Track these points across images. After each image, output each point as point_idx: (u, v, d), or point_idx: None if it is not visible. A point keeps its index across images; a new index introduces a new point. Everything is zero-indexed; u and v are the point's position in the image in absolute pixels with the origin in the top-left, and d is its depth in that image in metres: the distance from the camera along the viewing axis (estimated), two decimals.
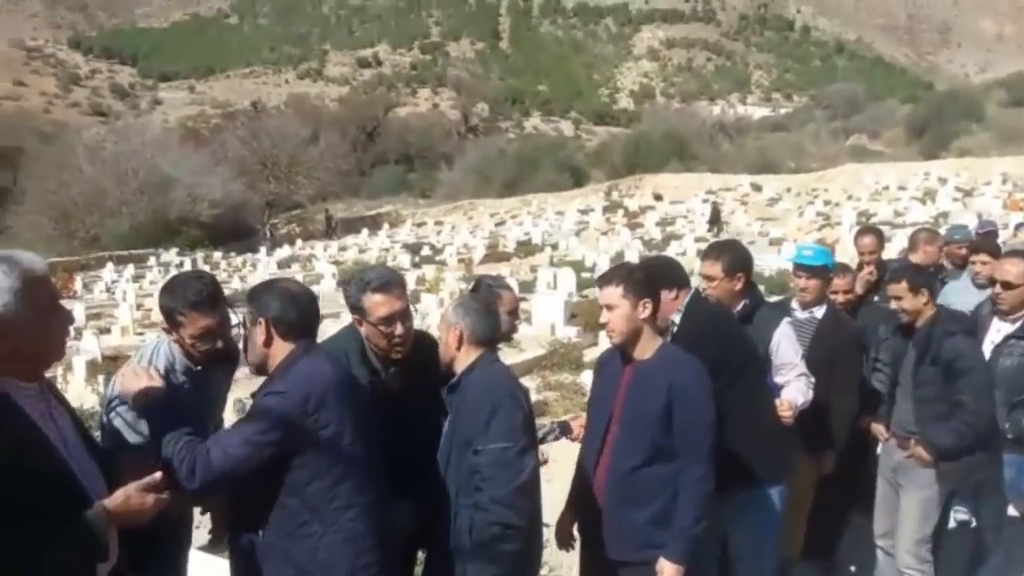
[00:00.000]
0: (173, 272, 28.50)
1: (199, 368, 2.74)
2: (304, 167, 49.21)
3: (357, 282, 2.83)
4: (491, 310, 2.93)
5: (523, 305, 14.89)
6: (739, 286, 3.63)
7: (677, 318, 3.27)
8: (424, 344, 3.01)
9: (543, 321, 13.50)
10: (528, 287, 17.75)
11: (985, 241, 5.45)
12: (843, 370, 4.03)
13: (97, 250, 35.49)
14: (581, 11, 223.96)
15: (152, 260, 33.48)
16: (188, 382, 2.72)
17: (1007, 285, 3.88)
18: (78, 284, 26.98)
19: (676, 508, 2.85)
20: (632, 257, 20.79)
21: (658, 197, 41.77)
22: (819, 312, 4.14)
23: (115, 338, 15.85)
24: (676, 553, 2.83)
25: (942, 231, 6.38)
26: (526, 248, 27.75)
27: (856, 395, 4.11)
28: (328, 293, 20.48)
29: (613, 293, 2.90)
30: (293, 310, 2.50)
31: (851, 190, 36.32)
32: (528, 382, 10.10)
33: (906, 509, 3.83)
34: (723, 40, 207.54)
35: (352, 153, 60.83)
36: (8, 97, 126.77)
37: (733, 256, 3.66)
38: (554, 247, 26.61)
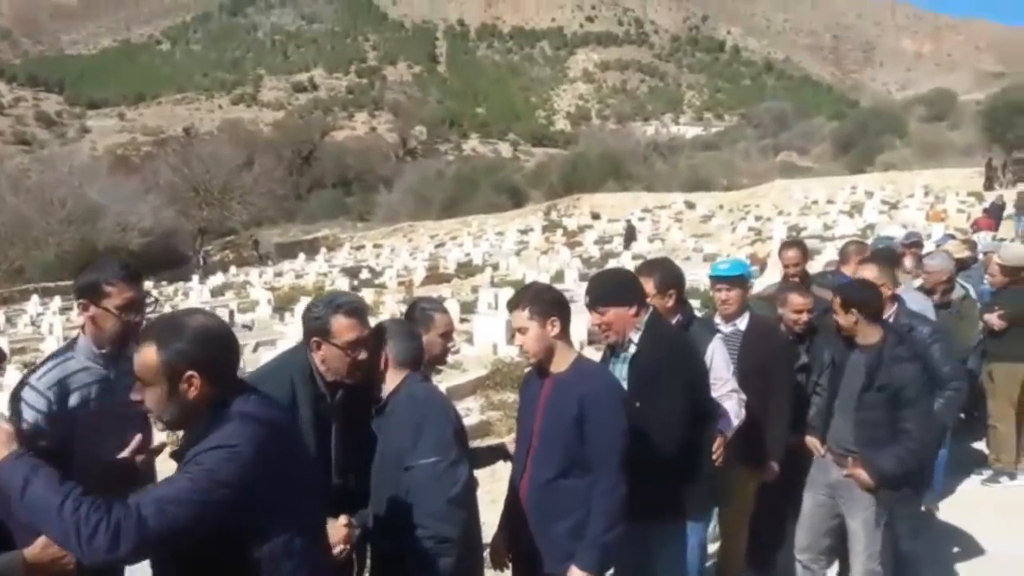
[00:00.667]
0: None
1: (105, 351, 2.74)
2: (238, 193, 48.44)
3: (326, 303, 2.81)
4: (414, 333, 2.90)
5: (464, 326, 14.93)
6: (671, 303, 3.66)
7: (636, 336, 3.23)
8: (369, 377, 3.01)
9: (485, 341, 13.44)
10: (469, 308, 17.69)
11: (883, 251, 5.80)
12: (776, 377, 4.05)
13: (21, 283, 34.28)
14: (517, 35, 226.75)
15: None
16: (98, 369, 2.74)
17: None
18: (0, 318, 25.99)
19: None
20: (572, 275, 20.94)
21: (596, 216, 42.26)
22: (742, 323, 4.17)
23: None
24: (586, 562, 2.83)
25: (869, 242, 6.62)
26: (467, 269, 27.69)
27: (790, 401, 4.12)
28: (263, 321, 20.10)
29: (521, 316, 2.97)
30: (224, 352, 2.14)
31: (781, 205, 37.25)
32: (471, 402, 10.00)
33: (854, 531, 3.83)
34: (656, 62, 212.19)
35: (288, 177, 60.16)
36: None
37: (664, 273, 3.69)
38: (495, 267, 26.61)
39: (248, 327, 18.82)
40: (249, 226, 50.29)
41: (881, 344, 3.75)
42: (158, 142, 78.36)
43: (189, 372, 2.04)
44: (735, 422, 3.61)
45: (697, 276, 18.95)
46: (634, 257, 26.00)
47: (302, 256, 39.90)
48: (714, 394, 3.54)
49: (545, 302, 2.97)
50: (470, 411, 9.47)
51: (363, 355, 2.75)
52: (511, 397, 10.37)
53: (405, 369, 2.80)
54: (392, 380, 2.79)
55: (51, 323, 22.86)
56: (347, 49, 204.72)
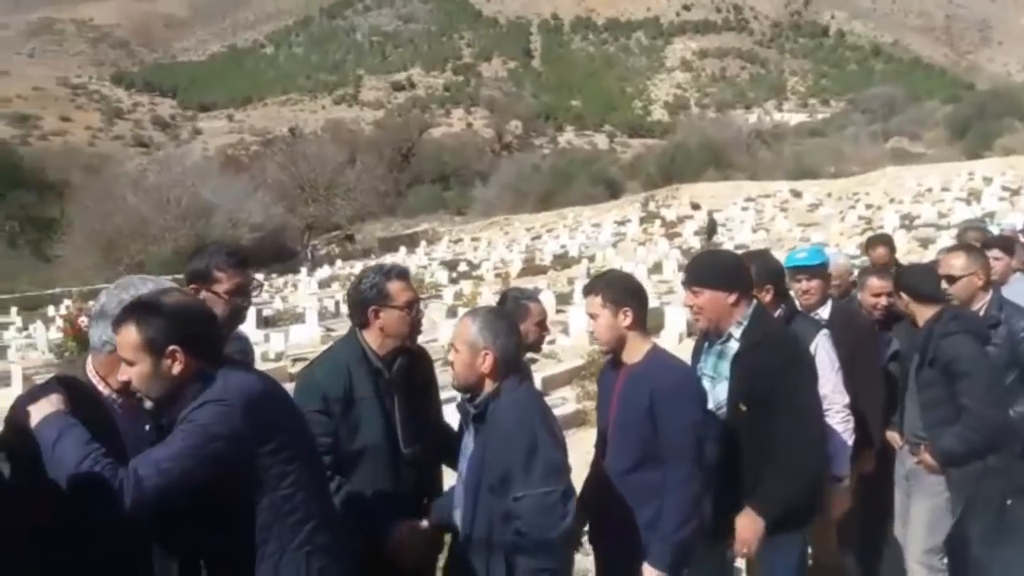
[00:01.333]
0: None
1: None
2: (342, 189, 49.84)
3: (376, 272, 2.90)
4: (516, 327, 2.78)
5: (560, 317, 14.93)
6: (768, 297, 3.45)
7: (737, 329, 3.04)
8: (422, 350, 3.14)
9: (581, 331, 13.39)
10: (565, 299, 17.68)
11: (997, 238, 5.32)
12: (863, 364, 3.83)
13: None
14: (612, 26, 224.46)
15: None
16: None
17: (950, 279, 3.85)
18: None
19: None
20: (670, 267, 20.63)
21: (695, 206, 41.46)
22: (824, 312, 3.95)
23: None
24: (657, 560, 2.78)
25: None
26: (563, 261, 27.67)
27: (882, 387, 3.93)
28: None
29: (594, 302, 2.93)
30: (203, 327, 2.21)
31: (893, 193, 35.68)
32: (567, 392, 10.02)
33: (915, 516, 3.69)
34: (756, 48, 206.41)
35: (388, 174, 61.46)
36: (55, 132, 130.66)
37: (761, 265, 3.47)
38: (591, 259, 26.47)
39: None
40: (353, 221, 51.73)
41: (933, 321, 3.64)
42: (265, 142, 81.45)
43: (172, 347, 2.11)
44: (847, 449, 3.44)
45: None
46: (736, 248, 25.56)
47: (403, 249, 40.72)
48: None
49: (619, 290, 2.92)
50: (566, 400, 9.50)
51: (419, 315, 2.92)
52: None
53: (510, 372, 2.67)
54: (494, 382, 2.65)
55: None
56: (443, 47, 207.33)
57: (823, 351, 3.40)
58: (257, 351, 13.15)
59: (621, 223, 38.46)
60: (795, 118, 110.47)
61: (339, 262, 39.73)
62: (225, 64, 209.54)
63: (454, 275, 26.77)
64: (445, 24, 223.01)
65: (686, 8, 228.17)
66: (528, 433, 2.52)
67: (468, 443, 2.72)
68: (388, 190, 58.83)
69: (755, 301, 3.08)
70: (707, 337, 3.17)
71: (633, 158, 76.43)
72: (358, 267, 35.68)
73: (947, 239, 16.04)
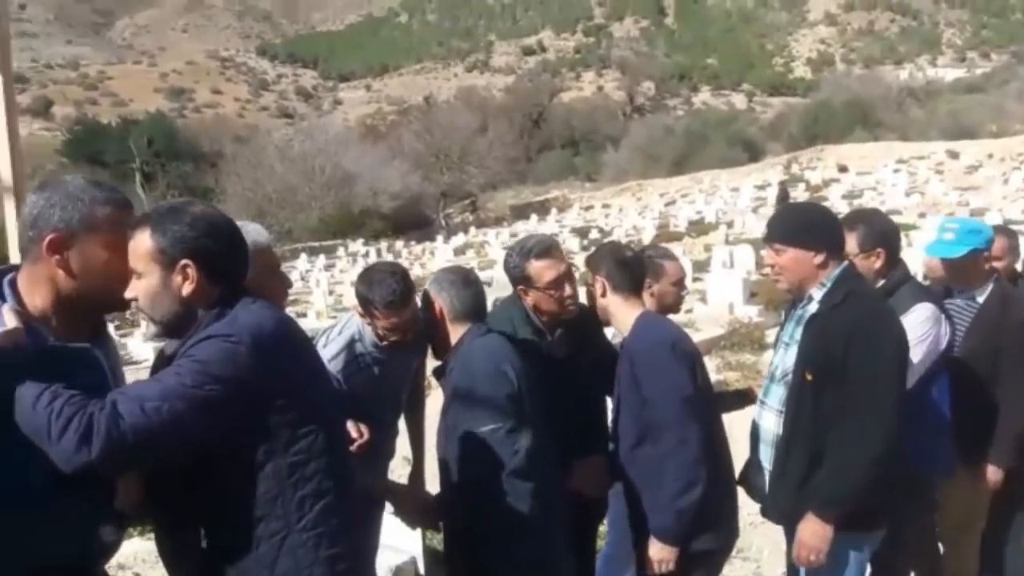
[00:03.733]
0: (360, 262, 30.15)
1: (384, 344, 2.90)
2: (475, 157, 50.51)
3: (518, 252, 2.90)
4: (469, 278, 2.72)
5: (697, 285, 14.67)
6: (879, 263, 3.02)
7: (818, 292, 2.63)
8: (586, 312, 3.07)
9: (720, 300, 13.16)
10: (702, 267, 17.33)
11: None
12: (1009, 364, 3.29)
13: (291, 242, 38.09)
14: None
15: (341, 251, 35.54)
16: (373, 355, 2.93)
17: None
18: None
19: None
20: None
21: (843, 169, 39.58)
22: (981, 296, 3.36)
23: (311, 321, 16.99)
24: (658, 528, 2.64)
25: None
26: (698, 227, 27.09)
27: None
28: (501, 279, 20.98)
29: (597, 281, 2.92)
30: (224, 245, 1.87)
31: None
32: (708, 362, 9.87)
33: None
34: None
35: (519, 141, 61.73)
36: (208, 105, 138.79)
37: (869, 228, 3.03)
38: (729, 225, 25.80)
39: (488, 283, 19.69)
40: (485, 189, 52.42)
41: None
42: (401, 111, 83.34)
43: (184, 261, 1.79)
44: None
45: None
46: (888, 212, 24.37)
47: (534, 217, 40.95)
48: None
49: (596, 256, 2.86)
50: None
51: (567, 291, 2.84)
52: (749, 358, 10.11)
53: (465, 322, 2.64)
54: (454, 335, 2.64)
55: (318, 278, 25.32)
56: (574, 8, 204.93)
57: (913, 319, 2.91)
58: None
59: (761, 187, 37.19)
60: (951, 73, 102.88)
61: (472, 229, 40.44)
62: (362, 33, 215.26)
63: (585, 242, 26.72)
64: None
65: None
66: (472, 377, 2.51)
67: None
68: (519, 157, 59.10)
69: (847, 264, 2.68)
70: (794, 304, 2.80)
71: (774, 118, 73.57)
72: (491, 235, 36.25)
73: None
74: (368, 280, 2.79)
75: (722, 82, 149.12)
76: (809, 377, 2.55)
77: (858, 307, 2.54)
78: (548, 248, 2.87)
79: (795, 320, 2.71)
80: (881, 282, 3.03)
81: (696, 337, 10.84)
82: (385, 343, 2.87)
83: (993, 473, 3.32)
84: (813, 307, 2.62)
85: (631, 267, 2.81)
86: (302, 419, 1.81)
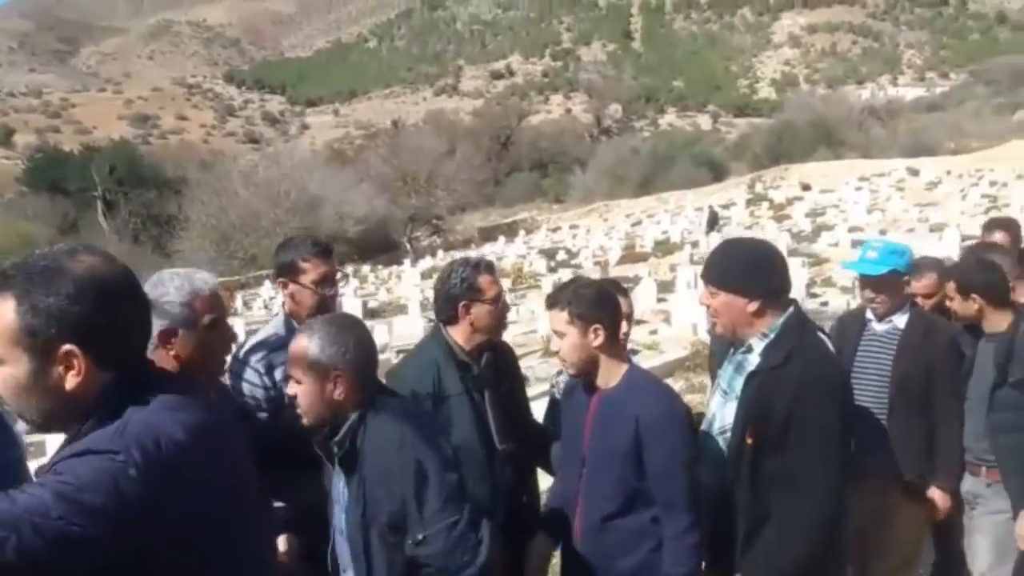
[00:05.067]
0: None
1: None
2: (442, 180, 50.41)
3: (463, 265, 2.87)
4: (366, 333, 2.26)
5: (662, 306, 14.58)
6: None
7: (759, 343, 2.41)
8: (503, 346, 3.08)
9: (684, 321, 13.04)
10: (667, 287, 17.27)
11: None
12: (941, 388, 3.25)
13: (255, 269, 37.60)
14: (716, 4, 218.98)
15: None
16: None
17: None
18: (238, 302, 28.63)
19: (659, 560, 2.41)
20: (782, 250, 19.84)
21: (806, 187, 39.98)
22: (901, 321, 3.33)
23: None
24: None
25: None
26: (664, 247, 27.10)
27: (961, 417, 3.28)
28: None
29: (559, 318, 2.48)
30: (125, 313, 1.41)
31: (1020, 169, 33.41)
32: (672, 384, 9.73)
33: (977, 542, 3.22)
34: (869, 21, 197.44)
35: (487, 163, 61.80)
36: (173, 131, 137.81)
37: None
38: (694, 245, 25.83)
39: None
40: (454, 211, 52.29)
41: (1012, 331, 3.12)
42: (369, 135, 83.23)
43: (66, 347, 1.33)
44: None
45: (923, 250, 17.39)
46: (850, 230, 24.52)
47: (502, 239, 40.88)
48: None
49: (589, 303, 2.46)
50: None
51: (506, 308, 2.87)
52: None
53: (364, 390, 2.19)
54: (355, 403, 2.16)
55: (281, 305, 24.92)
56: (542, 33, 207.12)
57: None
58: None
59: (726, 206, 37.42)
60: (911, 93, 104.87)
61: (440, 253, 40.25)
62: (330, 59, 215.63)
63: (552, 264, 26.63)
64: (544, 9, 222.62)
65: None
66: (410, 459, 2.09)
67: (339, 489, 2.25)
68: (487, 179, 59.15)
69: (792, 309, 2.42)
70: (733, 344, 2.55)
71: (739, 138, 74.41)
72: (458, 257, 36.14)
73: None
74: (285, 245, 2.91)
75: (688, 103, 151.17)
76: (749, 440, 2.36)
77: (802, 369, 2.32)
78: (492, 265, 2.90)
79: (734, 365, 2.49)
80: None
81: (660, 359, 10.72)
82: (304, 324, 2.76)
83: (941, 499, 3.28)
84: (754, 359, 2.41)
85: (619, 315, 2.57)
86: (202, 557, 1.38)
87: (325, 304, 2.86)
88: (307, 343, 2.12)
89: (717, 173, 53.27)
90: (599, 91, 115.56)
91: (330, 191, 44.13)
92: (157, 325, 2.09)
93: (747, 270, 2.40)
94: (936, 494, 3.28)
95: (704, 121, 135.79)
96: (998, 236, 4.22)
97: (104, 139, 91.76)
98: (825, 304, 12.17)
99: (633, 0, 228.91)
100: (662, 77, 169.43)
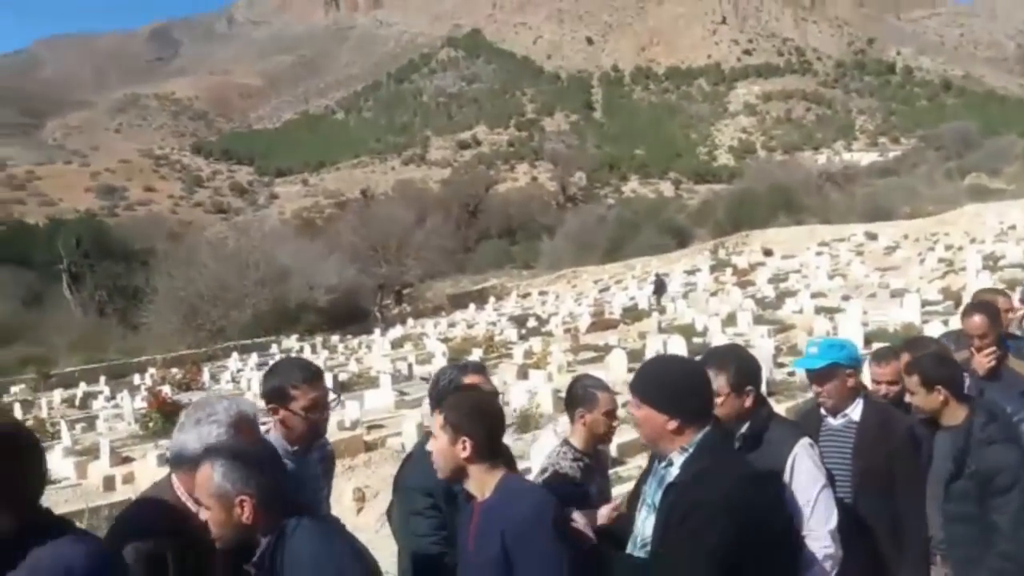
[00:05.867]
0: None
1: (295, 449, 2.86)
2: (412, 249, 50.74)
3: (451, 368, 3.00)
4: (272, 454, 2.28)
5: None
6: (748, 402, 2.92)
7: (679, 458, 2.43)
8: None
9: None
10: (637, 356, 17.47)
11: None
12: (903, 478, 3.23)
13: (222, 341, 37.26)
14: (673, 75, 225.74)
15: (274, 347, 34.87)
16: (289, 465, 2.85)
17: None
18: (205, 375, 28.31)
19: None
20: (745, 318, 20.25)
21: (768, 252, 40.82)
22: (856, 413, 3.33)
23: None
24: None
25: None
26: (633, 314, 27.45)
27: (924, 509, 3.26)
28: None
29: (436, 420, 2.51)
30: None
31: (974, 232, 34.52)
32: (643, 460, 9.81)
33: None
34: (821, 89, 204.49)
35: (456, 231, 62.38)
36: (141, 203, 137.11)
37: (740, 365, 2.94)
38: (662, 312, 26.24)
39: (425, 379, 19.51)
40: (423, 279, 52.50)
41: (968, 424, 3.20)
42: (339, 204, 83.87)
43: None
44: None
45: (886, 316, 17.88)
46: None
47: (472, 306, 41.07)
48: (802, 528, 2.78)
49: (463, 413, 2.44)
50: (642, 468, 9.27)
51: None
52: None
53: (273, 512, 2.15)
54: (259, 533, 2.15)
55: (249, 378, 24.65)
56: (507, 105, 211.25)
57: (802, 464, 2.82)
58: (333, 418, 13.38)
59: (691, 272, 38.07)
60: (866, 158, 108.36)
61: (411, 321, 40.28)
62: (299, 130, 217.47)
63: (523, 331, 26.81)
64: (508, 82, 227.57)
65: (747, 53, 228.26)
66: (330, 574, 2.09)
67: None
68: (457, 247, 59.63)
69: (709, 428, 2.46)
70: (657, 458, 2.59)
71: (700, 204, 76.01)
72: (429, 325, 36.14)
73: None
74: (277, 369, 2.83)
75: (650, 170, 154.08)
76: (660, 551, 2.40)
77: (707, 490, 2.30)
78: (481, 366, 3.00)
79: (657, 480, 2.52)
80: (747, 422, 2.93)
81: (633, 434, 10.79)
82: (296, 448, 2.81)
83: None
84: (674, 472, 2.43)
85: (501, 427, 2.54)
86: None
87: (316, 429, 2.85)
88: (211, 471, 2.12)
89: (681, 239, 54.29)
90: (564, 160, 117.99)
91: (300, 262, 44.16)
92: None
93: (670, 389, 2.44)
94: None
95: (666, 188, 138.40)
96: (977, 320, 4.01)
97: (70, 211, 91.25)
98: (792, 375, 12.33)
99: (593, 72, 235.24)
100: (624, 146, 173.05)
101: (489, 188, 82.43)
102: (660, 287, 29.82)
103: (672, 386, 2.44)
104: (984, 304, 4.09)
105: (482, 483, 2.44)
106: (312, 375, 2.81)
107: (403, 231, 51.00)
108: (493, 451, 2.47)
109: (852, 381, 3.35)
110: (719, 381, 2.83)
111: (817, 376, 3.36)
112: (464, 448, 2.40)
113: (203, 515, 2.13)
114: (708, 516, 2.25)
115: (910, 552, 3.23)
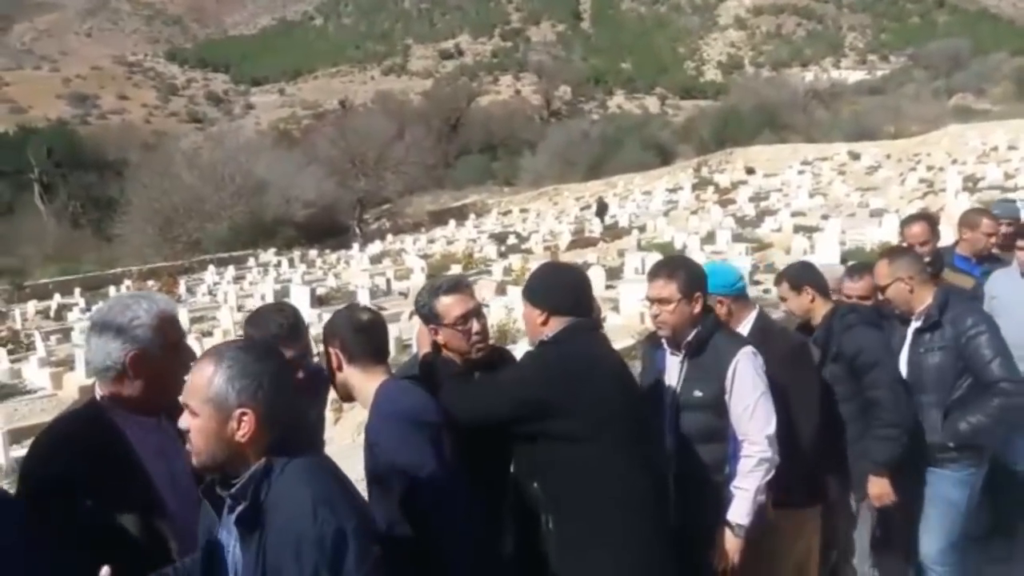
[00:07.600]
0: (272, 272, 29.40)
1: None
2: (392, 163, 50.00)
3: (427, 290, 2.87)
4: (285, 365, 1.97)
5: (610, 293, 14.74)
6: (697, 309, 3.01)
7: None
8: (503, 356, 3.05)
9: (632, 309, 13.18)
10: (615, 273, 17.46)
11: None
12: (796, 391, 3.21)
13: (199, 254, 36.93)
14: None
15: (251, 261, 34.64)
16: None
17: (880, 288, 3.65)
18: (182, 288, 28.13)
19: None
20: (724, 236, 20.21)
21: (750, 171, 40.64)
22: (745, 329, 3.33)
23: (217, 341, 16.39)
24: None
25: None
26: (612, 232, 27.36)
27: (816, 411, 3.30)
28: (418, 288, 20.70)
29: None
30: None
31: (956, 153, 34.43)
32: None
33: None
34: (813, 4, 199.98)
35: (437, 146, 61.43)
36: (113, 111, 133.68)
37: (688, 273, 3.03)
38: (641, 229, 26.13)
39: (404, 294, 19.44)
40: (403, 195, 51.95)
41: (830, 315, 3.59)
42: (316, 115, 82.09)
43: None
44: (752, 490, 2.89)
45: (863, 235, 17.89)
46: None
47: (452, 223, 40.78)
48: (739, 432, 2.91)
49: (332, 325, 2.57)
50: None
51: (476, 327, 2.78)
52: None
53: (367, 365, 2.38)
54: (254, 456, 1.84)
55: (226, 291, 24.53)
56: (491, 12, 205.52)
57: (744, 370, 2.91)
58: (312, 332, 13.30)
59: (673, 190, 37.88)
60: (854, 76, 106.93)
61: (390, 237, 40.00)
62: (276, 37, 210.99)
63: (503, 248, 26.70)
64: None
65: None
66: (329, 526, 1.74)
67: (233, 551, 1.85)
68: (437, 162, 58.84)
69: (574, 320, 2.67)
70: None
71: (685, 121, 75.06)
72: (408, 242, 35.91)
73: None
74: (254, 322, 2.75)
75: (636, 86, 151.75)
76: None
77: (536, 353, 2.73)
78: (456, 284, 2.85)
79: None
80: (694, 331, 2.99)
81: None
82: None
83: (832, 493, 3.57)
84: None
85: (368, 333, 2.50)
86: None
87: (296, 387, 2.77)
88: (211, 371, 1.80)
89: (664, 157, 53.84)
90: (549, 73, 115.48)
91: (276, 174, 43.51)
92: (125, 350, 2.13)
93: (544, 287, 2.78)
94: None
95: (652, 103, 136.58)
96: (916, 229, 4.41)
97: (41, 119, 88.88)
98: (767, 291, 12.36)
99: None
100: (611, 59, 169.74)
101: (471, 101, 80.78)
102: (602, 209, 31.06)
103: (544, 283, 2.79)
104: (924, 214, 4.56)
105: (365, 394, 2.50)
106: (284, 334, 2.63)
107: (382, 144, 50.21)
108: (370, 354, 2.52)
109: (698, 307, 3.09)
110: (670, 288, 2.99)
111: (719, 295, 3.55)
112: (336, 357, 2.51)
113: (184, 421, 1.82)
114: (525, 363, 2.72)
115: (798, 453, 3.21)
